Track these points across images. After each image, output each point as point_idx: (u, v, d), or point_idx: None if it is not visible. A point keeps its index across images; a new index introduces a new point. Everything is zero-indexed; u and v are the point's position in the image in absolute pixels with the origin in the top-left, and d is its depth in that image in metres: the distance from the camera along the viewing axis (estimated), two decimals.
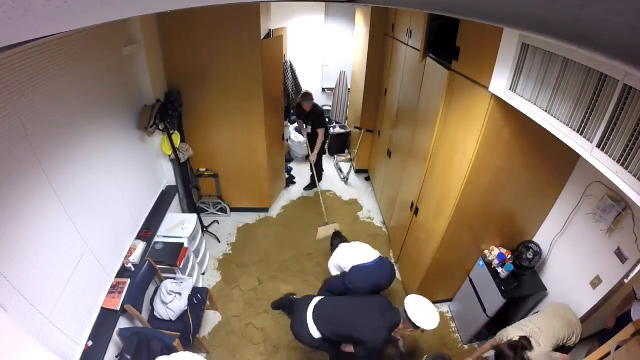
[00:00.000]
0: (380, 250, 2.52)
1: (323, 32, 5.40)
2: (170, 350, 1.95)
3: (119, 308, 1.99)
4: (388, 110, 3.71)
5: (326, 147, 5.21)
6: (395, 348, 2.37)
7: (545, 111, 1.35)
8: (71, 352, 1.66)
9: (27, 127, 1.44)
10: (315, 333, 2.01)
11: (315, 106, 3.94)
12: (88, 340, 1.79)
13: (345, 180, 4.72)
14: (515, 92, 1.54)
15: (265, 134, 3.34)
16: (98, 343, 1.81)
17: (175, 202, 3.21)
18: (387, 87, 3.71)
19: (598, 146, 1.10)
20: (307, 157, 4.32)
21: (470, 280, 2.60)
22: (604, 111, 1.07)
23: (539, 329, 1.88)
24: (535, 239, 2.44)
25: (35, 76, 1.48)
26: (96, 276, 1.95)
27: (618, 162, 1.02)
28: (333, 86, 5.44)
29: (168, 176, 3.16)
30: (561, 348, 1.94)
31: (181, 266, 2.57)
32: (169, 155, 3.03)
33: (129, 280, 2.14)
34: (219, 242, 3.57)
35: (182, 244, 2.69)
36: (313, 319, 2.03)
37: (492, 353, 2.60)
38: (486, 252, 2.46)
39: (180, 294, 2.33)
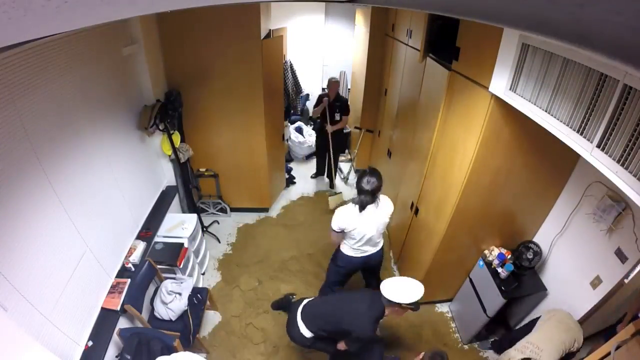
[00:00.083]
0: None
1: (323, 32, 5.40)
2: (170, 350, 1.95)
3: (119, 308, 1.99)
4: (388, 110, 3.71)
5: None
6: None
7: (545, 111, 1.35)
8: (71, 352, 1.66)
9: (27, 127, 1.44)
10: (306, 332, 2.04)
11: (338, 93, 3.93)
12: (88, 340, 1.79)
13: (345, 180, 4.72)
14: (515, 92, 1.54)
15: (265, 134, 3.34)
16: (98, 343, 1.81)
17: (175, 202, 3.21)
18: (387, 87, 3.71)
19: (598, 146, 1.10)
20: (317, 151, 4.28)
21: (470, 280, 2.60)
22: (604, 111, 1.07)
23: (538, 348, 1.88)
24: (535, 239, 2.44)
25: (36, 76, 1.48)
26: (96, 276, 1.95)
27: (618, 162, 1.02)
28: None
29: (168, 176, 3.16)
30: (565, 357, 1.93)
31: (181, 266, 2.57)
32: (169, 155, 3.03)
33: (129, 280, 2.14)
34: (219, 242, 3.57)
35: (182, 244, 2.69)
36: (301, 318, 2.06)
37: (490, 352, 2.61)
38: (486, 252, 2.46)
39: (180, 294, 2.33)
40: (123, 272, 2.20)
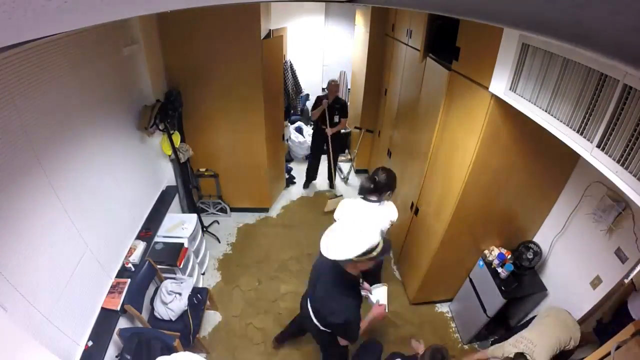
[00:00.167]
0: None
1: (323, 32, 5.40)
2: (170, 350, 1.95)
3: (119, 308, 1.99)
4: (388, 110, 3.71)
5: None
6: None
7: (545, 111, 1.35)
8: (71, 352, 1.66)
9: (27, 127, 1.44)
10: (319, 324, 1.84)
11: (337, 95, 3.92)
12: (88, 340, 1.79)
13: (345, 180, 4.72)
14: (515, 92, 1.54)
15: (265, 134, 3.34)
16: (98, 343, 1.81)
17: (175, 202, 3.21)
18: (387, 87, 3.71)
19: (598, 146, 1.10)
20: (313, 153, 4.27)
21: (470, 280, 2.60)
22: (604, 111, 1.07)
23: (531, 343, 1.88)
24: (535, 239, 2.44)
25: (36, 76, 1.48)
26: (96, 276, 1.95)
27: (618, 162, 1.02)
28: None
29: (168, 176, 3.16)
30: (560, 354, 1.94)
31: (181, 266, 2.57)
32: (169, 155, 3.03)
33: (129, 280, 2.13)
34: (219, 242, 3.57)
35: (182, 244, 2.69)
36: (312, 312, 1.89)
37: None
38: (486, 252, 2.46)
39: (180, 294, 2.33)
40: (123, 272, 2.20)
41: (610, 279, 1.89)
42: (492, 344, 2.61)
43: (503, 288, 2.26)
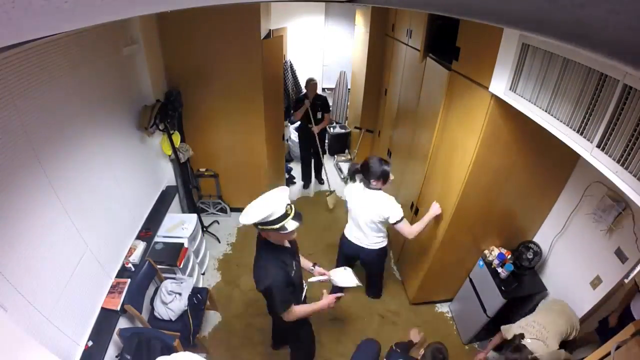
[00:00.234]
0: None
1: (323, 33, 5.40)
2: (170, 350, 1.95)
3: (119, 308, 1.99)
4: (388, 110, 3.71)
5: (326, 147, 5.24)
6: None
7: (545, 111, 1.35)
8: (71, 352, 1.66)
9: (27, 127, 1.44)
10: None
11: (317, 93, 3.98)
12: (88, 340, 1.79)
13: (346, 180, 4.71)
14: (515, 92, 1.54)
15: (265, 134, 3.34)
16: (98, 343, 1.81)
17: (175, 202, 3.21)
18: (387, 87, 3.71)
19: (598, 146, 1.10)
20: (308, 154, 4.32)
21: (470, 280, 2.60)
22: (604, 111, 1.07)
23: (544, 329, 1.89)
24: (535, 239, 2.44)
25: (36, 76, 1.48)
26: (96, 276, 1.95)
27: (618, 162, 1.02)
28: (333, 86, 5.44)
29: (168, 176, 3.16)
30: (563, 343, 1.94)
31: (181, 266, 2.57)
32: (169, 155, 3.03)
33: (129, 280, 2.14)
34: (219, 242, 3.56)
35: (182, 244, 2.69)
36: None
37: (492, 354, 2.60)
38: (486, 252, 2.46)
39: (180, 294, 2.33)
40: (123, 272, 2.20)
41: (610, 279, 1.89)
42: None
43: (503, 288, 2.26)
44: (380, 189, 2.23)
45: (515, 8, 0.63)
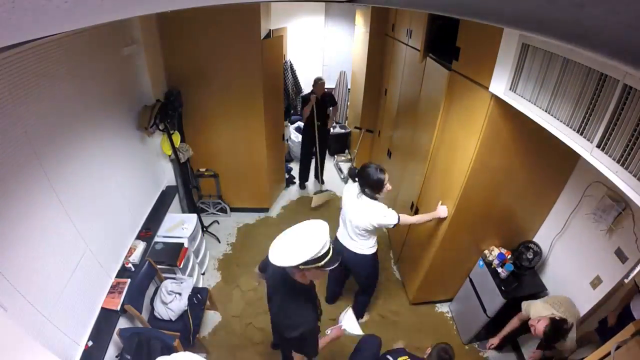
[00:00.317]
0: (381, 250, 2.52)
1: (323, 33, 5.40)
2: (170, 350, 1.95)
3: (119, 308, 1.99)
4: (388, 110, 3.71)
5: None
6: None
7: (545, 111, 1.35)
8: (71, 352, 1.66)
9: (27, 127, 1.44)
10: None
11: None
12: (88, 340, 1.79)
13: (346, 180, 4.72)
14: (515, 92, 1.54)
15: (265, 134, 3.34)
16: (98, 343, 1.81)
17: (175, 202, 3.21)
18: (387, 87, 3.71)
19: (598, 146, 1.10)
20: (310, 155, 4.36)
21: (470, 280, 2.60)
22: (604, 111, 1.07)
23: (568, 312, 1.93)
24: (535, 239, 2.44)
25: (36, 76, 1.48)
26: (96, 276, 1.95)
27: (618, 162, 1.02)
28: (333, 86, 5.45)
29: (168, 176, 3.16)
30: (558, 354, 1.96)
31: (181, 266, 2.57)
32: (169, 155, 3.03)
33: (129, 280, 2.14)
34: (219, 242, 3.56)
35: (182, 244, 2.69)
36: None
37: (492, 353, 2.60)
38: (486, 252, 2.46)
39: (180, 294, 2.33)
40: (123, 272, 2.20)
41: (610, 279, 1.89)
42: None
43: (503, 288, 2.26)
44: (375, 198, 2.14)
45: (515, 8, 0.63)
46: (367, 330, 2.72)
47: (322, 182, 4.45)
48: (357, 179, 2.18)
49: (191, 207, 3.41)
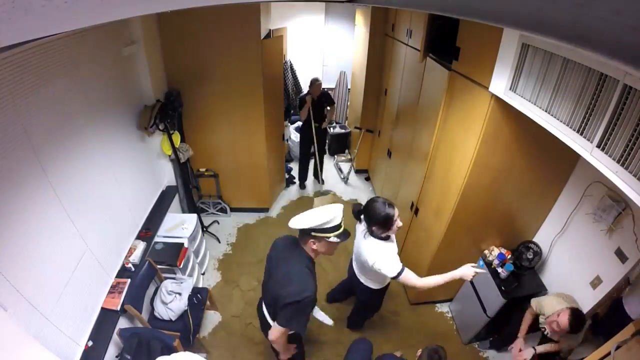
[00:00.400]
0: None
1: (323, 32, 5.40)
2: (170, 350, 1.95)
3: (119, 308, 1.99)
4: (388, 110, 3.71)
5: (326, 147, 5.25)
6: None
7: (545, 111, 1.35)
8: (71, 352, 1.66)
9: (27, 127, 1.44)
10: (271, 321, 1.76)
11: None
12: (88, 340, 1.79)
13: (345, 180, 4.72)
14: (515, 92, 1.54)
15: (265, 134, 3.34)
16: (98, 343, 1.81)
17: (175, 202, 3.21)
18: (387, 87, 3.71)
19: (598, 146, 1.10)
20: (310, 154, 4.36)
21: (470, 280, 2.60)
22: (604, 111, 1.07)
23: (577, 306, 1.95)
24: (535, 239, 2.44)
25: (36, 76, 1.48)
26: (96, 276, 1.95)
27: (618, 162, 1.02)
28: (333, 86, 5.45)
29: (168, 176, 3.16)
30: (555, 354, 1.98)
31: (181, 266, 2.57)
32: (169, 155, 3.03)
33: (129, 280, 2.14)
34: (219, 242, 3.56)
35: (182, 244, 2.69)
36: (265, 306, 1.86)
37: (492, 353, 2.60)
38: (486, 252, 2.46)
39: (180, 294, 2.33)
40: (123, 272, 2.20)
41: (610, 279, 1.89)
42: (490, 343, 2.63)
43: (503, 288, 2.26)
44: (384, 238, 1.92)
45: (515, 8, 0.63)
46: (367, 330, 2.73)
47: (322, 182, 4.45)
48: (363, 217, 1.95)
49: (191, 207, 3.41)
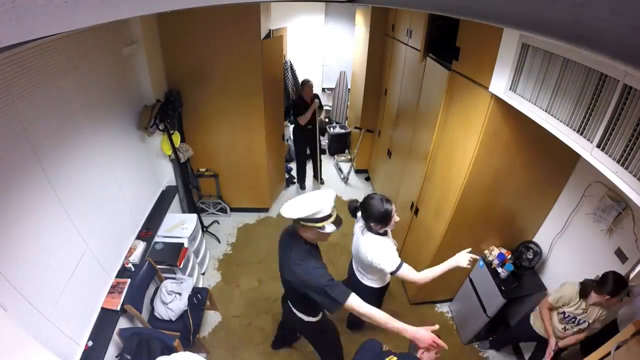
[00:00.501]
0: None
1: (323, 32, 5.40)
2: (170, 350, 1.95)
3: (119, 308, 1.99)
4: (388, 110, 3.71)
5: (326, 147, 5.26)
6: None
7: (545, 111, 1.35)
8: (71, 352, 1.66)
9: (27, 127, 1.44)
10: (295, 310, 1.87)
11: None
12: (88, 340, 1.79)
13: (345, 180, 4.72)
14: (515, 92, 1.54)
15: (265, 134, 3.34)
16: (98, 343, 1.81)
17: (175, 202, 3.21)
18: (387, 87, 3.71)
19: (598, 146, 1.10)
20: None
21: (470, 280, 2.60)
22: (604, 111, 1.07)
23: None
24: (535, 239, 2.44)
25: (36, 76, 1.48)
26: (96, 276, 1.95)
27: (618, 162, 1.02)
28: (333, 86, 5.44)
29: (168, 176, 3.16)
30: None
31: (181, 266, 2.57)
32: (169, 155, 3.03)
33: (129, 280, 2.13)
34: (219, 242, 3.57)
35: (182, 244, 2.69)
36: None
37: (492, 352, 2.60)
38: (486, 252, 2.46)
39: (180, 294, 2.33)
40: (123, 272, 2.20)
41: None
42: (490, 343, 2.63)
43: (503, 288, 2.26)
44: (382, 233, 1.95)
45: (515, 8, 0.63)
46: (368, 330, 2.73)
47: (322, 182, 4.45)
48: (360, 213, 1.95)
49: (191, 207, 3.41)
